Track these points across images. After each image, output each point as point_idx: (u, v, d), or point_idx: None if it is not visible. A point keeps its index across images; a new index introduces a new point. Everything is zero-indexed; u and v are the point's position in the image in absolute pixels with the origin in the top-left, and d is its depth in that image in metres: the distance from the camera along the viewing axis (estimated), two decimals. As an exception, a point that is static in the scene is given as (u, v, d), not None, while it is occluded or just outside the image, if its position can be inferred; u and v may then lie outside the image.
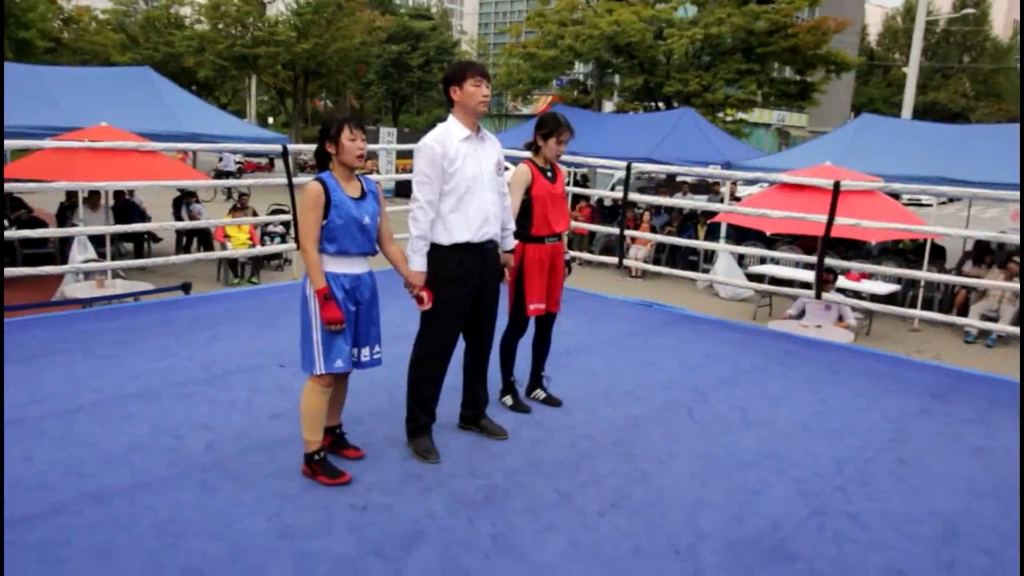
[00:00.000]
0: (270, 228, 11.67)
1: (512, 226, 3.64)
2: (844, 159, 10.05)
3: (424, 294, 3.27)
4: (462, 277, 3.34)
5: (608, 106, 24.86)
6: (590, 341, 5.36)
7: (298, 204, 2.99)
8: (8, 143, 5.48)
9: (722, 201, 13.45)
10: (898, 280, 10.37)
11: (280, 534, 2.69)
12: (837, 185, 5.66)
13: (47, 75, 11.77)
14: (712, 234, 12.60)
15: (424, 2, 79.61)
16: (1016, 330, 6.37)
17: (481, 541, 2.72)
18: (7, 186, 5.57)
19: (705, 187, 18.31)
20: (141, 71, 13.31)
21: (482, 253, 3.39)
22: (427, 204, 3.26)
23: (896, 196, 12.46)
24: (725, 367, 4.95)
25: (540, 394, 4.16)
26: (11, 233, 6.59)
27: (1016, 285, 8.72)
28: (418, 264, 3.28)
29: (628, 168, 7.02)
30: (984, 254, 10.81)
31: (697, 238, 12.68)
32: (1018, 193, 6.27)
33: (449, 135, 3.30)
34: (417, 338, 3.46)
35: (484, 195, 3.34)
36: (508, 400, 4.04)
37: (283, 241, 10.98)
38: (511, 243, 3.65)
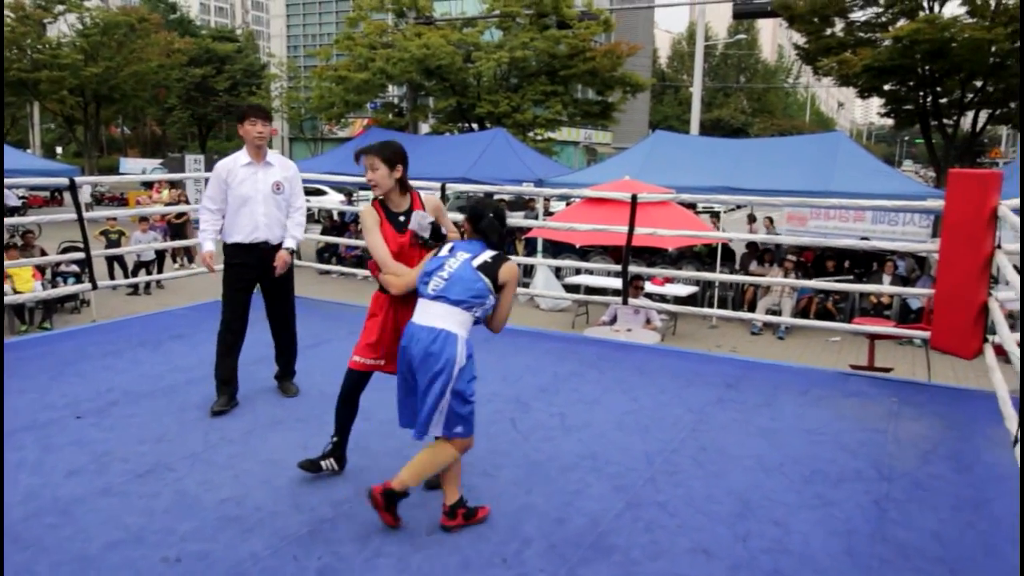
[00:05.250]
0: (63, 268, 10.66)
1: (295, 231, 4.43)
2: (642, 173, 10.79)
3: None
4: (239, 268, 4.34)
5: (424, 128, 25.04)
6: (414, 362, 5.35)
7: (515, 283, 3.11)
8: None
9: (537, 217, 13.95)
10: (696, 282, 11.24)
11: (81, 601, 2.46)
12: (635, 198, 6.06)
13: None
14: (530, 249, 13.04)
15: (228, 24, 76.27)
16: (796, 321, 7.11)
17: (307, 577, 2.64)
18: None
19: (521, 204, 18.91)
20: None
21: (257, 251, 4.31)
22: (211, 211, 4.34)
23: (692, 205, 13.52)
24: (545, 376, 5.13)
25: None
26: None
27: (793, 281, 9.73)
28: (207, 246, 4.44)
29: (443, 188, 7.11)
30: (764, 253, 11.97)
31: (516, 254, 13.06)
32: (788, 199, 7.01)
33: (236, 161, 4.32)
34: None
35: (257, 208, 4.28)
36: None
37: (78, 281, 10.07)
38: (289, 242, 4.41)
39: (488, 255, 3.02)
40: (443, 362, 2.86)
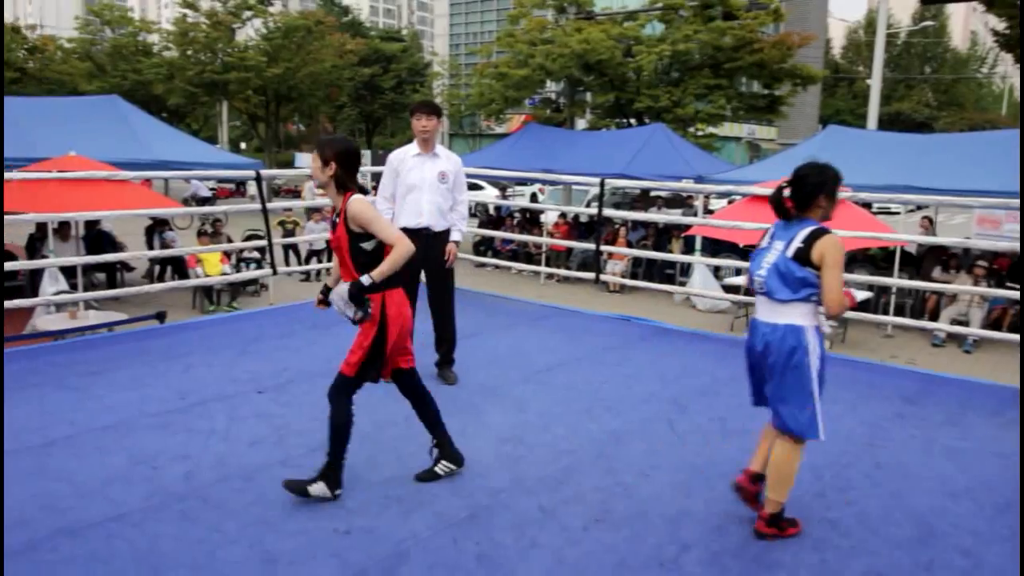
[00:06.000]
0: (245, 254, 11.61)
1: (459, 223, 4.74)
2: (813, 170, 10.20)
3: None
4: None
5: (581, 123, 25.03)
6: (569, 356, 5.39)
7: (836, 256, 2.80)
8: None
9: (696, 215, 13.59)
10: (870, 287, 10.52)
11: (263, 560, 2.67)
12: (806, 196, 5.74)
13: (12, 105, 11.64)
14: (688, 247, 12.72)
15: (395, 24, 79.93)
16: (987, 333, 6.51)
17: (466, 560, 2.72)
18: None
19: (679, 201, 18.50)
20: (109, 99, 13.22)
21: (422, 237, 4.44)
22: (384, 199, 4.67)
23: (867, 205, 12.70)
24: (704, 378, 4.99)
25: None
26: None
27: (984, 289, 8.90)
28: None
29: (602, 184, 7.09)
30: (950, 259, 11.00)
31: (672, 252, 12.79)
32: (980, 200, 6.41)
33: (407, 152, 4.65)
34: None
35: (422, 196, 4.57)
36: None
37: (259, 267, 10.92)
38: (455, 235, 4.75)
39: (801, 238, 2.85)
40: (800, 355, 2.86)
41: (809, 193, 2.90)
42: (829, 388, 4.80)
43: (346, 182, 3.12)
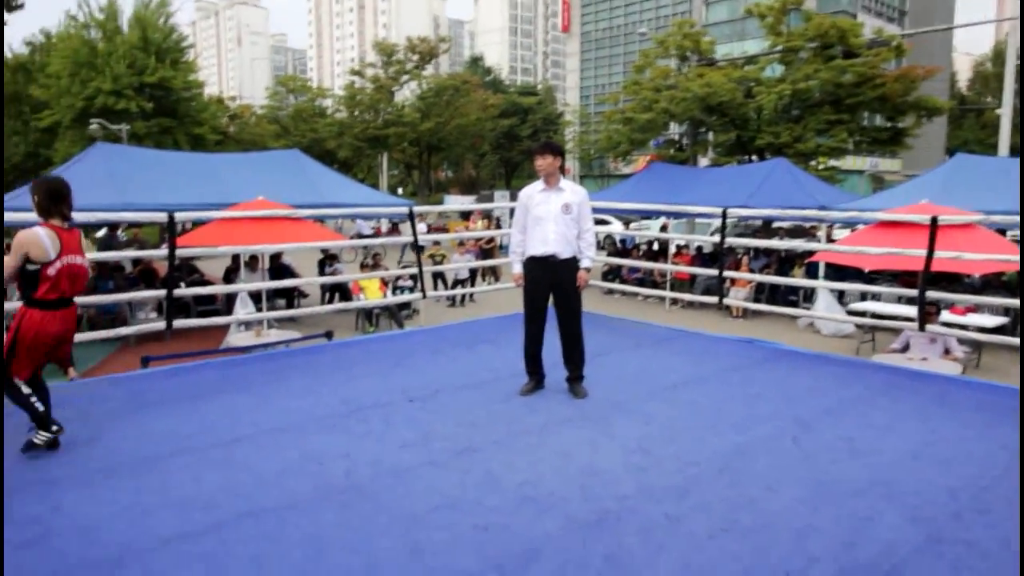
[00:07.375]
0: (400, 283, 12.09)
1: (587, 251, 4.72)
2: (940, 197, 9.41)
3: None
4: (534, 280, 4.70)
5: (703, 161, 24.42)
6: (694, 376, 5.18)
7: None
8: (183, 215, 5.94)
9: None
10: (1005, 311, 9.52)
11: (411, 550, 2.70)
12: (935, 220, 5.29)
13: (215, 160, 12.80)
14: (810, 275, 12.02)
15: (531, 80, 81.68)
16: None
17: (594, 560, 2.64)
18: (184, 252, 6.05)
19: (802, 232, 17.57)
20: (291, 153, 14.24)
21: (548, 264, 4.63)
22: (517, 230, 4.80)
23: (1003, 232, 11.55)
24: (829, 399, 4.65)
25: None
26: (186, 291, 7.14)
27: None
28: (516, 268, 4.81)
29: (724, 214, 6.84)
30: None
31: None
32: None
33: (534, 188, 4.77)
34: None
35: (548, 226, 4.61)
36: None
37: (412, 292, 11.32)
38: (586, 262, 4.73)
39: None
40: None
41: None
42: (964, 410, 4.39)
43: (42, 213, 3.51)
